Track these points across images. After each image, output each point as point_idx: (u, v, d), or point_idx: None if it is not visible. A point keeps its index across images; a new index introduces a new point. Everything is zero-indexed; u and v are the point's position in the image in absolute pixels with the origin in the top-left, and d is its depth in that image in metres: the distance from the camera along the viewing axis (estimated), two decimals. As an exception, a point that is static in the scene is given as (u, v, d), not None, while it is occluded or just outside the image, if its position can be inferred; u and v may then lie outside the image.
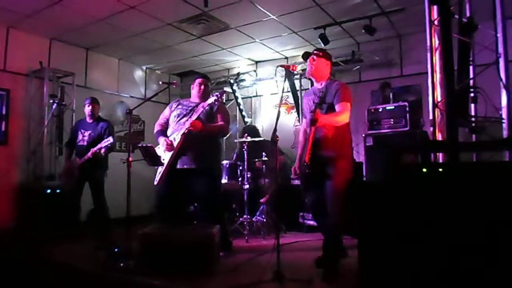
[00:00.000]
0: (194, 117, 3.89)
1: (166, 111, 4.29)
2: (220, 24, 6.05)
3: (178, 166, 3.98)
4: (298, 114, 7.00)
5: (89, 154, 4.91)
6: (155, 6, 5.31)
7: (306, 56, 3.49)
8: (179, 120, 4.05)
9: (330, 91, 3.37)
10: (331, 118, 3.22)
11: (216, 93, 3.96)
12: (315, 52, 3.51)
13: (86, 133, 5.18)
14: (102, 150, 4.90)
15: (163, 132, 4.13)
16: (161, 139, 3.99)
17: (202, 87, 4.23)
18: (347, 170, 3.34)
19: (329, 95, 3.36)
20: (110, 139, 4.89)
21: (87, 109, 5.25)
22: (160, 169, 4.01)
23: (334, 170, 3.27)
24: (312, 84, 3.96)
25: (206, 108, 3.94)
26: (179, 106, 4.18)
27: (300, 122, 3.71)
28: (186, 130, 3.82)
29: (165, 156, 3.94)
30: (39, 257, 4.10)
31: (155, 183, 4.05)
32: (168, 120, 4.21)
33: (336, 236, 3.36)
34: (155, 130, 4.23)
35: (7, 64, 6.02)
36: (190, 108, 4.11)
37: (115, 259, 3.59)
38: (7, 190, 5.81)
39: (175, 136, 3.94)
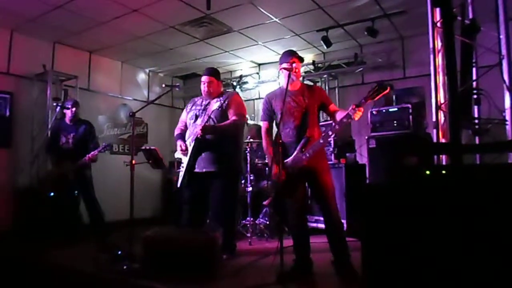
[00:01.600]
0: (203, 122, 3.85)
1: (183, 114, 4.28)
2: (222, 27, 6.06)
3: (197, 170, 3.97)
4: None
5: (86, 159, 4.97)
6: (157, 9, 5.33)
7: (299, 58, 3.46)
8: (194, 122, 4.05)
9: (312, 95, 3.40)
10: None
11: (221, 98, 3.92)
12: (295, 57, 3.44)
13: (70, 136, 5.21)
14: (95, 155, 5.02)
15: (182, 135, 4.14)
16: (178, 143, 4.03)
17: (206, 85, 4.12)
18: (329, 168, 3.46)
19: (312, 99, 3.38)
20: (108, 145, 5.04)
21: (70, 110, 5.27)
22: (181, 172, 4.03)
23: (323, 171, 3.32)
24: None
25: (218, 109, 3.90)
26: (193, 107, 4.16)
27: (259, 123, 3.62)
28: (198, 135, 3.81)
29: (184, 159, 3.96)
30: (41, 259, 4.11)
31: (178, 185, 4.08)
32: (186, 123, 4.21)
33: (343, 233, 3.34)
34: (175, 134, 4.24)
35: (10, 67, 6.05)
36: (203, 108, 4.08)
37: (118, 262, 3.59)
38: (10, 193, 5.82)
39: (191, 140, 3.96)
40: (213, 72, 4.24)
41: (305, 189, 3.47)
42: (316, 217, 5.05)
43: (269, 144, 3.49)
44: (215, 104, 3.96)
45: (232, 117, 3.98)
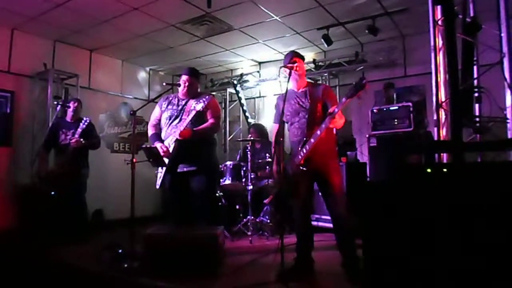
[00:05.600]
0: (183, 124, 3.84)
1: (157, 111, 4.23)
2: (223, 25, 6.05)
3: (178, 170, 3.98)
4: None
5: (73, 141, 4.99)
6: (158, 7, 5.33)
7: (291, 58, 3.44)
8: (171, 123, 4.01)
9: (316, 94, 3.38)
10: (341, 120, 3.20)
11: (203, 99, 3.88)
12: (297, 56, 3.45)
13: (69, 132, 5.22)
14: (84, 142, 5.05)
15: (158, 135, 4.10)
16: (158, 145, 3.96)
17: (187, 85, 4.08)
18: (339, 168, 3.44)
19: (315, 99, 3.36)
20: (87, 119, 5.06)
21: (72, 107, 5.33)
22: (160, 174, 4.02)
23: (330, 171, 3.29)
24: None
25: (197, 111, 3.88)
26: (169, 106, 4.12)
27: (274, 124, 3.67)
28: (179, 137, 3.81)
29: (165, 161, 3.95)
30: (43, 258, 4.12)
31: (157, 187, 4.07)
32: (159, 120, 4.17)
33: (353, 234, 3.30)
34: (150, 133, 4.19)
35: (11, 66, 6.04)
36: (180, 108, 4.05)
37: (120, 260, 3.60)
38: (11, 191, 5.83)
39: (169, 141, 3.92)
40: (194, 73, 4.23)
41: (311, 188, 3.45)
42: (317, 216, 5.05)
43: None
44: (193, 105, 3.93)
45: (210, 119, 4.03)
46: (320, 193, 3.41)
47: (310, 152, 3.22)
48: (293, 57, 3.41)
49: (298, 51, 3.57)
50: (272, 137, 3.66)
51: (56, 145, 5.30)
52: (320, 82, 7.10)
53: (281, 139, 3.23)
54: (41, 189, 5.66)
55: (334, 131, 3.49)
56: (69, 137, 5.18)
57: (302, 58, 3.50)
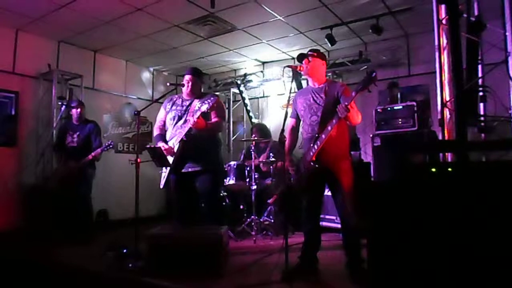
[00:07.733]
0: (189, 125, 3.80)
1: (161, 113, 4.22)
2: (226, 25, 6.06)
3: (183, 170, 3.98)
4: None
5: (89, 157, 5.05)
6: (161, 7, 5.33)
7: (301, 58, 3.45)
8: (175, 124, 4.01)
9: (332, 91, 3.35)
10: (358, 115, 3.24)
11: (208, 100, 3.83)
12: (309, 53, 3.46)
13: (75, 134, 5.28)
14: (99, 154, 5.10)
15: (162, 136, 4.09)
16: (160, 144, 3.97)
17: (190, 84, 4.07)
18: (351, 169, 3.37)
19: (331, 96, 3.34)
20: (111, 143, 5.10)
21: (75, 111, 5.37)
22: (164, 174, 4.03)
23: (340, 171, 3.27)
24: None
25: (202, 112, 3.84)
26: (173, 107, 4.11)
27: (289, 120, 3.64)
28: (192, 125, 3.75)
29: (170, 160, 3.95)
30: (47, 258, 4.13)
31: (161, 186, 4.08)
32: (165, 122, 4.17)
33: (358, 236, 3.28)
34: (154, 135, 4.21)
35: (16, 67, 6.06)
36: (184, 108, 4.04)
37: (124, 260, 3.61)
38: (15, 192, 5.85)
39: (174, 141, 3.92)
40: (196, 72, 4.23)
41: (322, 187, 3.46)
42: (321, 216, 5.04)
43: (289, 141, 3.56)
44: (197, 105, 3.91)
45: (214, 118, 4.01)
46: (327, 193, 3.42)
47: (321, 150, 3.21)
48: (301, 59, 3.44)
49: (302, 50, 3.57)
50: (285, 131, 3.54)
51: (63, 147, 5.34)
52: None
53: (284, 138, 3.23)
54: (46, 189, 5.70)
55: (347, 133, 3.44)
56: (75, 139, 5.24)
57: (316, 56, 3.45)
